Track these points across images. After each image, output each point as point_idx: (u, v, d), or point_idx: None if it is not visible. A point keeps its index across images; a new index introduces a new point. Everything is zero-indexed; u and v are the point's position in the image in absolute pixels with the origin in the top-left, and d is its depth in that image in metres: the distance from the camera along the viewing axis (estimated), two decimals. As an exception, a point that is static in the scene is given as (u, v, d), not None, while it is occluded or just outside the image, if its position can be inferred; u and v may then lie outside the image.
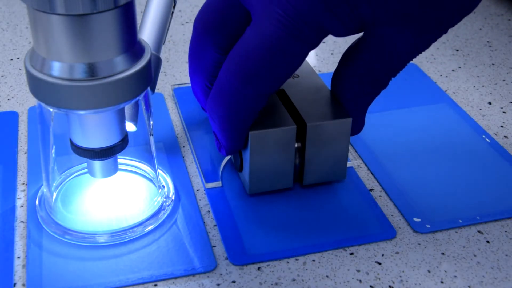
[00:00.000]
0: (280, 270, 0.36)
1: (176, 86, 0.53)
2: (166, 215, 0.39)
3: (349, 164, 0.44)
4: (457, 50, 0.61)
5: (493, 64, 0.59)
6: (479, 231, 0.39)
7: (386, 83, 0.38)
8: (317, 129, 0.38)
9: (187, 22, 0.66)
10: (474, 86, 0.55)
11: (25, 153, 0.45)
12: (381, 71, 0.37)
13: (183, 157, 0.45)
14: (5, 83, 0.54)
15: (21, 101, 0.51)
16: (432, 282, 0.36)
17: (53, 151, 0.38)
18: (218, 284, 0.35)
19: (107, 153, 0.36)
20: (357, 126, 0.40)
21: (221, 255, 0.37)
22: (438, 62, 0.59)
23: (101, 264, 0.36)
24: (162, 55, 0.59)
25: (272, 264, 0.37)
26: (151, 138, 0.39)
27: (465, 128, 0.49)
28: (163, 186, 0.41)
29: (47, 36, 0.31)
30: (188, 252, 0.37)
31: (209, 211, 0.40)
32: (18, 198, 0.41)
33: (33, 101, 0.51)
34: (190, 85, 0.53)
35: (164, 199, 0.40)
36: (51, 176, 0.39)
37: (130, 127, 0.40)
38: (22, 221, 0.39)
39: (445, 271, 0.36)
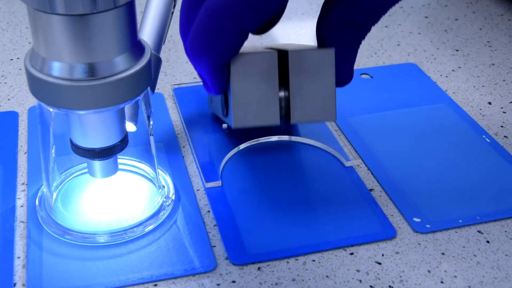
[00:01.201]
0: (280, 270, 0.36)
1: (176, 86, 0.53)
2: (166, 215, 0.39)
3: (349, 164, 0.44)
4: (457, 50, 0.61)
5: (493, 64, 0.59)
6: (479, 231, 0.39)
7: (369, 27, 0.37)
8: (299, 56, 0.37)
9: (187, 22, 0.66)
10: (474, 86, 0.55)
11: (25, 153, 0.45)
12: (361, 15, 0.36)
13: (183, 157, 0.45)
14: (5, 83, 0.54)
15: (21, 101, 0.51)
16: (432, 282, 0.36)
17: (53, 151, 0.38)
18: (218, 284, 0.35)
19: (107, 153, 0.36)
20: (345, 76, 0.38)
21: (221, 255, 0.37)
22: (438, 62, 0.59)
23: (101, 264, 0.36)
24: (162, 55, 0.59)
25: (272, 264, 0.37)
26: (151, 138, 0.39)
27: (465, 128, 0.49)
28: (163, 186, 0.41)
29: (47, 36, 0.31)
30: (188, 252, 0.37)
31: (209, 211, 0.40)
32: (18, 198, 0.41)
33: (33, 101, 0.51)
34: (190, 85, 0.53)
35: (164, 199, 0.40)
36: (51, 176, 0.39)
37: (130, 127, 0.40)
38: (22, 221, 0.39)
39: (445, 271, 0.36)
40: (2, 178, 0.42)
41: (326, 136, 0.47)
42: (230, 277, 0.36)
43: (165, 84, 0.54)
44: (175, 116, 0.50)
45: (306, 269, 0.36)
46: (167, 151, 0.45)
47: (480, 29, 0.66)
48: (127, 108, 0.40)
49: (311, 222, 0.39)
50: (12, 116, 0.49)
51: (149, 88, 0.36)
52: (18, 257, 0.37)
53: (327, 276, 0.36)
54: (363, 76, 0.56)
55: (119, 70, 0.32)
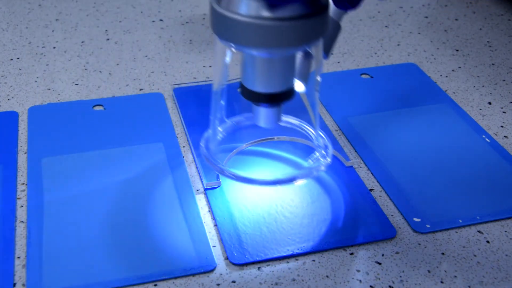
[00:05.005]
0: (280, 270, 0.36)
1: (176, 86, 0.53)
2: (319, 173, 0.41)
3: (349, 164, 0.44)
4: (457, 50, 0.61)
5: (493, 64, 0.59)
6: (479, 231, 0.39)
7: None
8: None
9: (187, 22, 0.66)
10: (474, 86, 0.55)
11: (25, 153, 0.45)
12: None
13: (183, 157, 0.45)
14: (5, 83, 0.54)
15: (21, 101, 0.51)
16: (432, 282, 0.36)
17: (222, 102, 0.41)
18: (218, 284, 0.35)
19: (273, 99, 0.37)
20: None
21: (221, 255, 0.37)
22: (438, 62, 0.59)
23: (101, 264, 0.36)
24: (162, 55, 0.59)
25: (272, 264, 0.37)
26: (316, 95, 0.40)
27: (465, 128, 0.49)
28: (322, 147, 0.42)
29: None
30: (188, 252, 0.37)
31: (209, 211, 0.40)
32: (18, 198, 0.41)
33: (33, 101, 0.51)
34: (190, 85, 0.53)
35: (321, 158, 0.41)
36: (218, 121, 0.42)
37: (299, 86, 0.40)
38: (22, 221, 0.39)
39: (445, 271, 0.36)
40: (2, 178, 0.42)
41: (326, 136, 0.47)
42: (230, 277, 0.36)
43: (165, 84, 0.54)
44: (175, 116, 0.50)
45: (306, 269, 0.36)
46: (167, 151, 0.45)
47: (480, 29, 0.66)
48: (299, 65, 0.40)
49: (310, 222, 0.39)
50: (12, 116, 0.49)
51: (323, 51, 0.38)
52: (18, 257, 0.37)
53: (327, 276, 0.36)
54: (363, 76, 0.56)
55: (297, 14, 0.33)
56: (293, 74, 0.37)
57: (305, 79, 0.40)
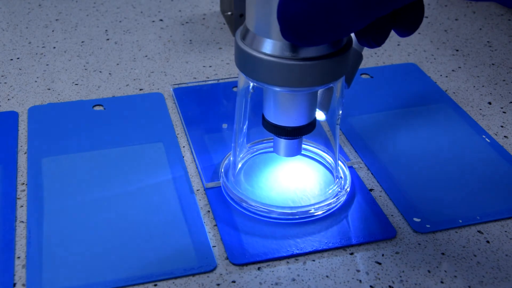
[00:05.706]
0: (280, 270, 0.36)
1: (176, 86, 0.53)
2: (338, 205, 0.40)
3: (349, 164, 0.44)
4: (457, 50, 0.61)
5: (493, 64, 0.59)
6: (479, 231, 0.39)
7: None
8: None
9: (187, 22, 0.66)
10: (474, 86, 0.55)
11: (25, 153, 0.45)
12: None
13: (183, 157, 0.45)
14: (5, 83, 0.54)
15: (21, 101, 0.52)
16: (432, 282, 0.36)
17: (245, 126, 0.41)
18: (218, 284, 0.35)
19: (294, 133, 0.37)
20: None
21: (221, 255, 0.37)
22: (438, 62, 0.59)
23: (101, 264, 0.36)
24: (162, 55, 0.59)
25: (272, 264, 0.37)
26: (337, 127, 0.40)
27: (465, 128, 0.49)
28: (341, 177, 0.42)
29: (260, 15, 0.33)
30: (188, 252, 0.37)
31: (209, 211, 0.40)
32: (18, 198, 0.41)
33: (33, 101, 0.51)
34: (190, 85, 0.53)
35: (339, 190, 0.41)
36: (239, 148, 0.42)
37: (319, 115, 0.41)
38: (22, 221, 0.39)
39: (445, 271, 0.36)
40: (2, 178, 0.42)
41: (326, 136, 0.47)
42: (230, 277, 0.36)
43: (165, 84, 0.54)
44: (175, 116, 0.50)
45: (306, 269, 0.36)
46: (167, 151, 0.45)
47: (480, 29, 0.66)
48: (320, 96, 0.41)
49: (310, 222, 0.39)
50: (12, 116, 0.49)
51: (344, 81, 0.38)
52: (18, 257, 0.37)
53: (327, 276, 0.36)
54: (363, 76, 0.56)
55: (320, 55, 0.33)
56: (315, 108, 0.38)
57: (326, 109, 0.40)
